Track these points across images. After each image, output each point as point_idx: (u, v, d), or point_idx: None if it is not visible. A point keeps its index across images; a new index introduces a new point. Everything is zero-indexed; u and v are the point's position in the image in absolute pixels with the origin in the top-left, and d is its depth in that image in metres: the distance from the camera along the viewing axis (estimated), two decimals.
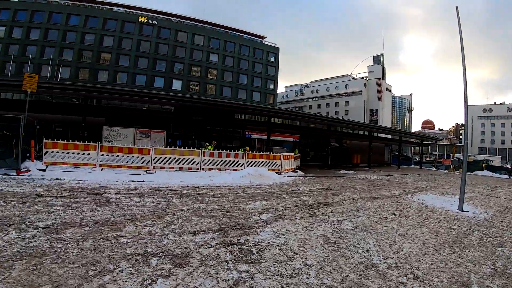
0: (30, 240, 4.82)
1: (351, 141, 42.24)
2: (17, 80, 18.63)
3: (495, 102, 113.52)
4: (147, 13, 58.12)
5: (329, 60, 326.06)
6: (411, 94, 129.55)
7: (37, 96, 27.62)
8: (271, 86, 68.62)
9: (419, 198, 12.26)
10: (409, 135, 52.79)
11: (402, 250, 5.53)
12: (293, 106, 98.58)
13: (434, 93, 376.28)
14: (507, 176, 38.25)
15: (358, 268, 4.49)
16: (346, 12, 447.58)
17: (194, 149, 17.64)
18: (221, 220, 6.91)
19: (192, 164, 17.13)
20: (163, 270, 3.99)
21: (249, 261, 4.47)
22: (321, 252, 5.11)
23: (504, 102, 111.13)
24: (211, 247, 5.01)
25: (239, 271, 4.07)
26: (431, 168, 49.54)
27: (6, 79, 34.64)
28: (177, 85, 57.64)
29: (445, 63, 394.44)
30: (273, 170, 19.14)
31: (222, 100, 42.06)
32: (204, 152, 17.58)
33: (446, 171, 42.86)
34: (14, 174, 12.31)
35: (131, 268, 3.98)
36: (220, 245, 5.15)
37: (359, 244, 5.66)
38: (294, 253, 4.94)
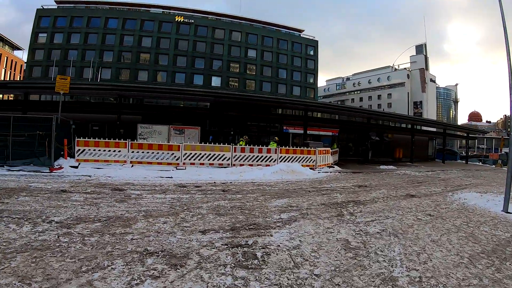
0: (40, 233, 4.96)
1: (393, 134, 40.64)
2: (52, 83, 19.18)
3: None
4: (183, 12, 59.24)
5: (371, 52, 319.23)
6: (456, 85, 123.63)
7: (76, 97, 28.52)
8: (311, 80, 67.69)
9: (460, 197, 11.19)
10: (454, 127, 49.85)
11: (431, 260, 4.78)
12: (335, 99, 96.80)
13: (481, 83, 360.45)
14: None
15: (374, 281, 3.88)
16: (385, 1, 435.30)
17: (225, 144, 17.50)
18: (237, 219, 6.64)
19: (223, 160, 17.01)
20: (155, 270, 3.79)
21: (249, 267, 4.12)
22: (335, 259, 4.55)
23: None
24: (214, 248, 4.73)
25: (234, 277, 3.75)
26: (477, 163, 47.28)
27: (43, 82, 36.00)
28: (216, 82, 58.22)
29: (492, 51, 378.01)
30: (308, 166, 18.66)
31: (256, 94, 42.09)
32: (235, 148, 17.42)
33: (493, 166, 40.69)
34: (47, 171, 12.70)
35: (124, 266, 3.85)
36: (225, 246, 4.86)
37: (382, 251, 5.01)
38: (303, 259, 4.48)
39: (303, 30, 70.81)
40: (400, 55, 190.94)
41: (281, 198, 9.31)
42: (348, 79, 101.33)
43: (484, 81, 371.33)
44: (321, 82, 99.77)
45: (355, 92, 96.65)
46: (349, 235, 5.77)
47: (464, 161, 47.30)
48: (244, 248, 4.82)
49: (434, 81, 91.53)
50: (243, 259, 4.35)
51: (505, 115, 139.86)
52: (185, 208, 7.36)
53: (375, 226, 6.57)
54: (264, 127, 32.46)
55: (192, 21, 57.74)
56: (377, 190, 12.25)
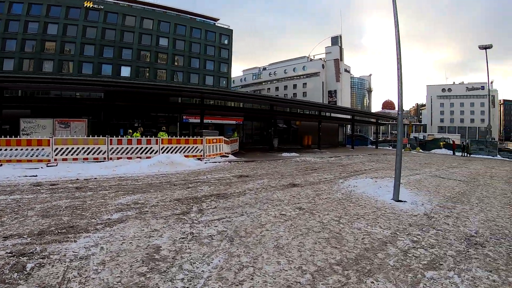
0: None
1: (300, 122, 41.32)
2: None
3: (454, 82, 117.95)
4: None
5: (291, 43, 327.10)
6: (370, 75, 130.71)
7: None
8: (225, 69, 67.89)
9: (350, 184, 11.01)
10: (362, 114, 52.07)
11: (252, 278, 3.72)
12: (251, 89, 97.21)
13: (396, 74, 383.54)
14: (465, 154, 40.02)
15: None
16: None
17: (100, 137, 16.23)
18: (59, 221, 5.89)
19: (98, 154, 15.70)
20: None
21: (6, 282, 3.44)
22: (118, 275, 3.70)
23: (463, 82, 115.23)
24: None
25: None
26: (388, 148, 50.48)
27: None
28: (125, 72, 55.67)
29: (408, 44, 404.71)
30: (194, 156, 18.06)
31: (150, 82, 40.85)
32: (111, 140, 16.19)
33: (402, 150, 43.10)
34: None
35: None
36: (10, 254, 4.20)
37: (192, 264, 4.06)
38: (78, 274, 3.71)
39: (218, 19, 70.29)
40: (316, 46, 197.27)
41: (133, 194, 8.58)
42: (264, 69, 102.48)
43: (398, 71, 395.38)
44: (239, 72, 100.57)
45: (271, 82, 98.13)
46: (169, 241, 4.96)
47: (374, 146, 49.67)
48: (25, 257, 4.12)
49: (348, 71, 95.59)
50: (7, 272, 3.68)
51: (417, 103, 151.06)
52: (14, 210, 6.60)
53: (216, 226, 5.78)
54: (164, 117, 31.22)
55: (102, 7, 54.17)
56: (257, 180, 11.80)
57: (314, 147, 36.53)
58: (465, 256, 4.82)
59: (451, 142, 52.01)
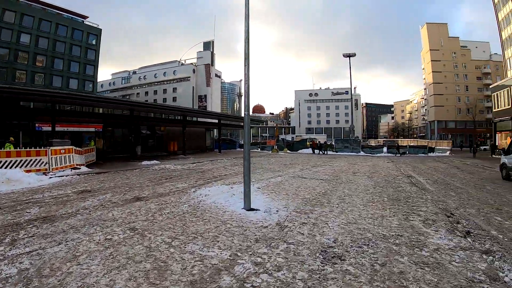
0: None
1: (165, 127, 40.27)
2: None
3: (320, 88, 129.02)
4: None
5: (167, 48, 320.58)
6: (240, 80, 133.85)
7: None
8: (91, 72, 62.99)
9: (202, 193, 10.32)
10: (230, 118, 52.77)
11: None
12: (120, 94, 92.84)
13: (270, 81, 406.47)
14: (330, 152, 44.39)
15: None
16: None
17: None
18: None
19: None
20: None
21: None
22: None
23: (329, 87, 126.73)
24: None
25: None
26: (256, 150, 51.78)
27: None
28: None
29: (281, 53, 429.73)
30: (39, 170, 15.96)
31: None
32: None
33: (270, 152, 45.24)
34: None
35: None
36: None
37: None
38: None
39: (87, 17, 65.32)
40: (188, 51, 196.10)
41: None
42: (134, 72, 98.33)
43: (272, 79, 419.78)
44: (107, 76, 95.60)
45: (141, 86, 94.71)
46: None
47: (242, 149, 50.52)
48: None
49: (219, 76, 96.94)
50: None
51: (286, 107, 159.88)
52: None
53: (21, 263, 4.55)
54: (16, 125, 27.65)
55: None
56: (99, 195, 10.33)
57: (180, 153, 35.88)
58: (319, 278, 4.10)
59: (317, 142, 55.90)
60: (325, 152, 43.80)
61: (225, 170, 19.12)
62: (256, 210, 8.07)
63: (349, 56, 47.48)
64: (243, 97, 8.59)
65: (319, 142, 52.07)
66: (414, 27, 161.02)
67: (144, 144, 36.02)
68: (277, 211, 8.06)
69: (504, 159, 16.59)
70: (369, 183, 13.76)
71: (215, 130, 52.03)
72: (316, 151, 44.85)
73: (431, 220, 7.37)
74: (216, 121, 47.56)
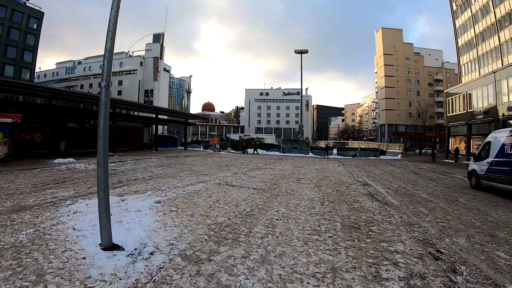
0: None
1: (95, 120, 35.17)
2: None
3: (271, 87, 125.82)
4: None
5: (121, 42, 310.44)
6: (190, 76, 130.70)
7: None
8: (30, 59, 56.68)
9: (74, 209, 7.26)
10: (166, 112, 47.46)
11: None
12: (64, 85, 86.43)
13: (223, 80, 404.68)
14: (277, 153, 41.62)
15: None
16: None
17: None
18: None
19: None
20: None
21: None
22: None
23: (280, 87, 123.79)
24: None
25: None
26: (198, 149, 48.33)
27: None
28: None
29: (236, 52, 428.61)
30: None
31: None
32: None
33: (211, 151, 41.93)
34: None
35: None
36: None
37: None
38: None
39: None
40: (136, 42, 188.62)
41: None
42: (79, 63, 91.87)
43: (225, 77, 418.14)
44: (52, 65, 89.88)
45: (86, 78, 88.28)
46: None
47: (183, 147, 47.26)
48: None
49: (168, 71, 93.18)
50: None
51: (237, 106, 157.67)
52: None
53: None
54: None
55: None
56: None
57: (110, 151, 31.43)
58: None
59: (264, 142, 53.55)
60: (256, 152, 40.64)
61: (142, 173, 15.44)
62: (119, 249, 4.78)
63: (301, 52, 44.97)
64: (102, 63, 4.95)
65: (244, 140, 48.75)
66: (370, 34, 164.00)
67: (71, 139, 31.45)
68: (151, 253, 4.73)
69: (473, 165, 14.20)
70: (316, 195, 10.45)
71: (163, 126, 47.88)
72: (251, 150, 41.57)
73: (418, 275, 4.20)
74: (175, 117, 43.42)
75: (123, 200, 8.29)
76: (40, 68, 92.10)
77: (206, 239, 5.45)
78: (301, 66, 45.48)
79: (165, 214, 7.14)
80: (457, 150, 36.53)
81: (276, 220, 6.86)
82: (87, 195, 9.22)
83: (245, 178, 14.17)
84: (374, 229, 6.42)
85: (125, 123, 38.06)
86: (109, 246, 4.77)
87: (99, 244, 4.82)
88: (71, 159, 21.17)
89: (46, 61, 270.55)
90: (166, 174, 15.11)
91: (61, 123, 29.66)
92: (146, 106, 45.07)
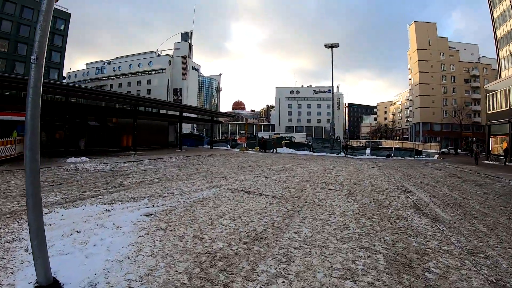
0: None
1: (117, 119, 34.11)
2: None
3: (302, 85, 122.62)
4: None
5: (152, 42, 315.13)
6: (220, 75, 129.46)
7: None
8: (57, 59, 57.61)
9: (47, 222, 6.03)
10: (190, 109, 45.80)
11: None
12: (94, 85, 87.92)
13: (254, 79, 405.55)
14: (308, 152, 40.25)
15: None
16: None
17: None
18: None
19: None
20: None
21: None
22: None
23: (310, 85, 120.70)
24: None
25: None
26: (226, 147, 47.14)
27: None
28: None
29: (268, 51, 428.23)
30: None
31: None
32: None
33: (238, 150, 40.48)
34: None
35: None
36: None
37: None
38: None
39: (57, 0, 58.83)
40: (165, 41, 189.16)
41: None
42: (109, 62, 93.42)
43: (257, 77, 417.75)
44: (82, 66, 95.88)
45: (116, 77, 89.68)
46: None
47: (210, 146, 46.16)
48: None
49: (197, 70, 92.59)
50: None
51: (267, 105, 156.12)
52: None
53: None
54: None
55: None
56: None
57: (139, 149, 30.76)
58: None
59: (293, 140, 51.82)
60: (275, 151, 39.17)
61: (152, 174, 13.89)
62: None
63: (331, 46, 42.80)
64: None
65: (262, 138, 46.98)
66: (403, 30, 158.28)
67: (92, 138, 30.79)
68: None
69: None
70: (349, 206, 8.36)
71: (192, 124, 46.65)
72: (270, 150, 40.31)
73: None
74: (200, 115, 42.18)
75: (108, 210, 6.77)
76: (70, 68, 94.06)
77: (183, 284, 3.69)
78: (332, 60, 43.44)
79: (148, 233, 5.47)
80: (506, 150, 32.48)
81: (294, 249, 4.90)
82: (74, 201, 7.90)
83: (266, 183, 12.28)
84: (432, 267, 4.42)
85: (149, 121, 37.08)
86: (46, 284, 3.35)
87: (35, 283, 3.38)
88: (84, 158, 20.14)
89: (80, 62, 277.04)
90: (178, 176, 13.46)
91: (81, 121, 28.84)
92: (169, 104, 43.64)
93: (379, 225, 6.60)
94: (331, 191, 10.72)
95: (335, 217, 7.13)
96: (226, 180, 12.57)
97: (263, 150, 39.85)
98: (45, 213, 6.35)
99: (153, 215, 6.61)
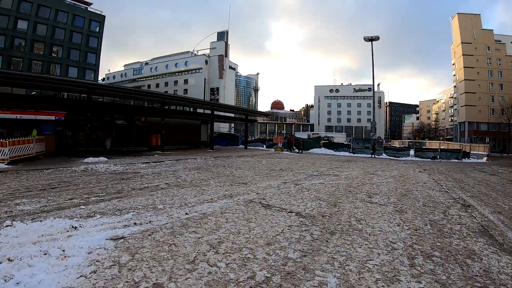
0: None
1: (146, 118, 33.22)
2: None
3: (341, 84, 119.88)
4: None
5: (188, 40, 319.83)
6: (257, 74, 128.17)
7: None
8: (93, 60, 58.54)
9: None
10: (222, 107, 43.41)
11: None
12: (132, 85, 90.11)
13: (294, 78, 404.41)
14: (347, 153, 38.32)
15: None
16: None
17: None
18: None
19: None
20: None
21: None
22: None
23: (350, 84, 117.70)
24: None
25: None
26: (261, 147, 45.69)
27: None
28: None
29: (307, 50, 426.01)
30: None
31: None
32: None
33: (273, 150, 38.59)
34: None
35: None
36: None
37: None
38: None
39: (91, 3, 60.79)
40: (201, 41, 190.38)
41: None
42: (146, 63, 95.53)
43: (297, 76, 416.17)
44: (120, 67, 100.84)
45: (153, 78, 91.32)
46: None
47: (244, 146, 44.65)
48: None
49: (234, 69, 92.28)
50: None
51: (307, 104, 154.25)
52: None
53: None
54: None
55: None
56: None
57: (168, 149, 30.26)
58: None
59: (333, 140, 49.77)
60: (301, 151, 37.09)
61: (164, 179, 12.32)
62: None
63: (371, 39, 40.02)
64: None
65: (294, 138, 44.54)
66: (446, 26, 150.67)
67: (120, 137, 30.28)
68: None
69: None
70: (399, 234, 5.98)
71: (230, 124, 45.25)
72: (296, 150, 38.36)
73: None
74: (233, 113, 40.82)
75: (75, 228, 5.40)
76: (109, 70, 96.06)
77: None
78: (372, 54, 40.67)
79: (95, 272, 3.77)
80: None
81: None
82: (51, 211, 6.70)
83: (293, 192, 10.10)
84: None
85: (180, 120, 35.99)
86: None
87: None
88: (102, 158, 19.32)
89: (120, 64, 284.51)
90: (192, 181, 11.71)
91: (108, 120, 27.93)
92: (198, 101, 41.75)
93: (444, 272, 4.29)
94: (374, 206, 8.33)
95: (379, 254, 4.82)
96: (245, 188, 10.67)
97: (291, 149, 38.12)
98: (6, 226, 5.29)
99: (122, 240, 4.90)
